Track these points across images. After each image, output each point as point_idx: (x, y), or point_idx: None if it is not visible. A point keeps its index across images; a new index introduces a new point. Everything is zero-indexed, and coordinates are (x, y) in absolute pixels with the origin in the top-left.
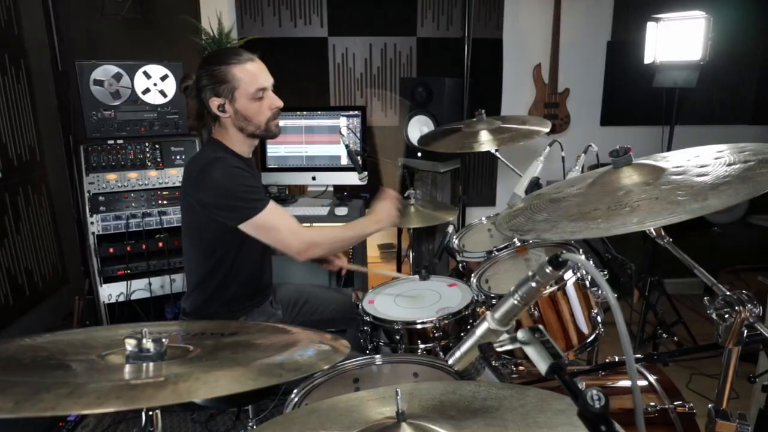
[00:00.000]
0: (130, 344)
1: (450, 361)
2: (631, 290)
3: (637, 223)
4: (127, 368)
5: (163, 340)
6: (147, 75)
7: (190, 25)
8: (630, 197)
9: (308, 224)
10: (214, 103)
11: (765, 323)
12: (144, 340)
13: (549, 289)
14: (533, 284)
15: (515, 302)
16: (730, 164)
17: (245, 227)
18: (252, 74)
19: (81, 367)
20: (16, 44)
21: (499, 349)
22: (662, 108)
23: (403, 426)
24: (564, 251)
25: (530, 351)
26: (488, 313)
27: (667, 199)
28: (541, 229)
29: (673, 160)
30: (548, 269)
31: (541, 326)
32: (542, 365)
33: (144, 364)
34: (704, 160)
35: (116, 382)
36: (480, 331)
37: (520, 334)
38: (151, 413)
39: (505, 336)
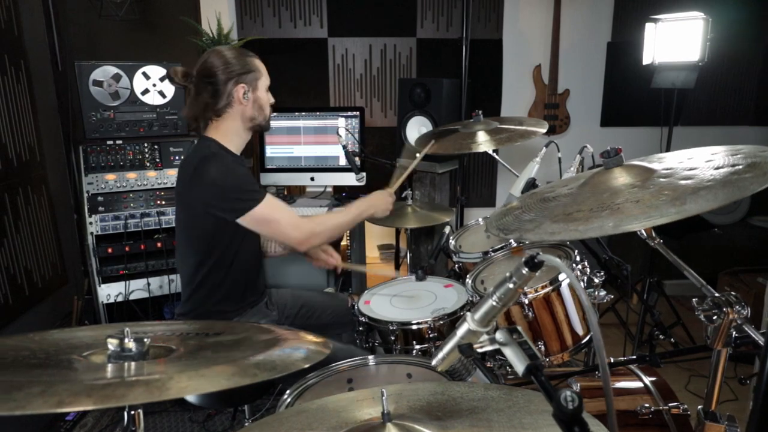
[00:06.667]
0: (112, 344)
1: (433, 362)
2: (629, 291)
3: (612, 227)
4: (109, 367)
5: (145, 340)
6: (146, 76)
7: (190, 26)
8: (613, 199)
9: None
10: (241, 89)
11: (763, 324)
12: (126, 340)
13: (543, 290)
14: (510, 285)
15: (494, 303)
16: (717, 168)
17: (244, 220)
18: (264, 68)
19: (61, 367)
20: (16, 45)
21: (479, 350)
22: (662, 109)
23: (389, 426)
24: (540, 252)
25: (508, 352)
26: (468, 314)
27: (646, 202)
28: (524, 229)
29: (667, 161)
30: (524, 270)
31: (519, 327)
32: (519, 366)
33: (125, 364)
34: (695, 163)
35: (89, 381)
36: (461, 332)
37: (498, 335)
38: (133, 412)
39: (485, 337)
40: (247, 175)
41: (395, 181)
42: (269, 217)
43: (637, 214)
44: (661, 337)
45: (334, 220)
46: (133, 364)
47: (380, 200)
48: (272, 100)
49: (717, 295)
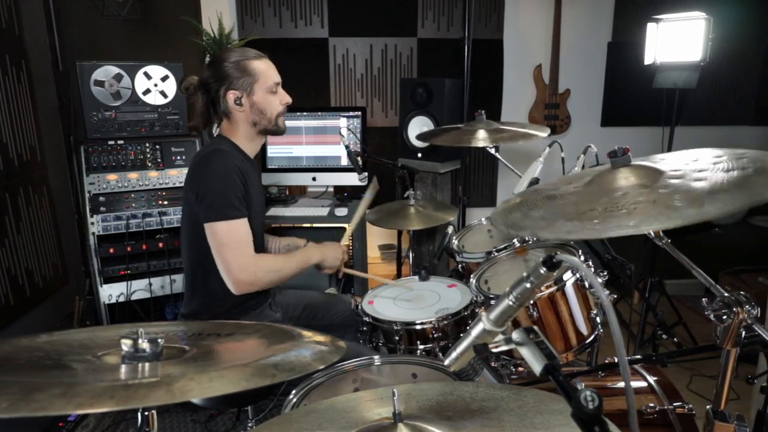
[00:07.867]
0: (125, 344)
1: (446, 362)
2: (632, 291)
3: (633, 227)
4: (123, 368)
5: (159, 340)
6: (147, 76)
7: (191, 26)
8: (627, 199)
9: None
10: (231, 96)
11: (765, 324)
12: (140, 341)
13: (548, 290)
14: (528, 285)
15: (510, 303)
16: (727, 170)
17: (207, 228)
18: (268, 69)
19: (76, 368)
20: (17, 45)
21: (494, 350)
22: (662, 109)
23: (400, 427)
24: (559, 252)
25: (525, 352)
26: (483, 313)
27: (664, 203)
28: (537, 227)
29: (671, 162)
30: (542, 270)
31: (535, 327)
32: (537, 366)
33: (140, 365)
34: (702, 164)
35: (109, 383)
36: (475, 331)
37: (514, 335)
38: (146, 413)
39: (500, 337)
40: (236, 188)
41: (347, 234)
42: (224, 238)
43: (657, 214)
44: (664, 336)
45: (280, 268)
46: (147, 365)
47: (331, 252)
48: (286, 99)
49: (727, 294)
